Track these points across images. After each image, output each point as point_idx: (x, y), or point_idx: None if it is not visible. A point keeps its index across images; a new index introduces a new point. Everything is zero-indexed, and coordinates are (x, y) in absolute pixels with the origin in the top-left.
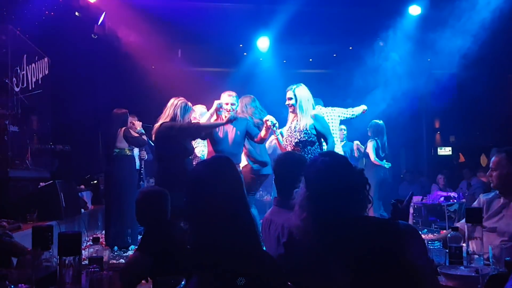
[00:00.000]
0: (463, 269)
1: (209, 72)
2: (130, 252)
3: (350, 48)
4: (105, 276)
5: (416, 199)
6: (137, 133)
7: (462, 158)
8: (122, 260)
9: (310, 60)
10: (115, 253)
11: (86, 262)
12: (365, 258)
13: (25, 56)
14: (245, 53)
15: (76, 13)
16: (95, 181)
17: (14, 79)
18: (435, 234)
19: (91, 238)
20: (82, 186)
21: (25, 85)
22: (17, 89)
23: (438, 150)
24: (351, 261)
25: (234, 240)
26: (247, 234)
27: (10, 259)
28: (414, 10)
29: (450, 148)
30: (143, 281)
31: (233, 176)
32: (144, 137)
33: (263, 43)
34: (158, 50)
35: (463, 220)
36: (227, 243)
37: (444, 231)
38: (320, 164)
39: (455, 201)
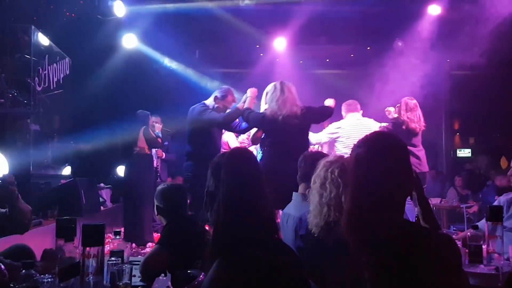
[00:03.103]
0: (483, 267)
1: (226, 73)
2: (147, 249)
3: (368, 48)
4: (125, 268)
5: (435, 201)
6: (154, 135)
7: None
8: (140, 256)
9: (327, 60)
10: (133, 250)
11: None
12: (393, 264)
13: (47, 56)
14: (261, 54)
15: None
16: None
17: (36, 78)
18: (454, 235)
19: (110, 234)
20: (102, 184)
21: (46, 84)
22: (39, 89)
23: (458, 152)
24: (379, 265)
25: (254, 228)
26: (266, 223)
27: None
28: (434, 9)
29: (469, 150)
30: (161, 274)
31: (251, 167)
32: (159, 140)
33: (279, 43)
34: (175, 51)
35: (484, 220)
36: (247, 231)
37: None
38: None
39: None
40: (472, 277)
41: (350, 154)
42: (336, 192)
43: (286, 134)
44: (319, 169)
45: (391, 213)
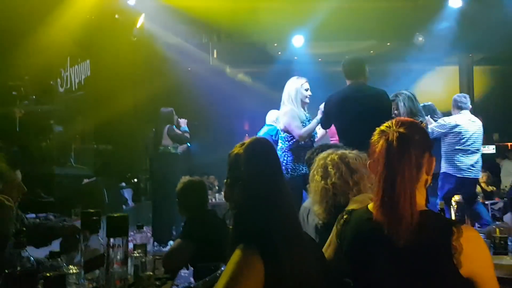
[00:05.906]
0: (508, 259)
1: (244, 72)
2: (168, 247)
3: (388, 44)
4: (149, 261)
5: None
6: (181, 131)
7: None
8: (162, 251)
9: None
10: (155, 248)
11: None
12: (417, 258)
13: (68, 58)
14: (279, 52)
15: (116, 16)
16: (135, 180)
17: (58, 80)
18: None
19: (132, 232)
20: (123, 184)
21: (68, 86)
22: (61, 90)
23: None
24: (403, 258)
25: (275, 221)
26: (287, 215)
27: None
28: (455, 2)
29: (493, 146)
30: (183, 268)
31: (270, 157)
32: (187, 134)
33: (297, 41)
34: (194, 51)
35: (509, 213)
36: (268, 224)
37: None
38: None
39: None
40: (497, 268)
41: (379, 136)
42: (340, 177)
43: None
44: (318, 158)
45: (418, 200)
